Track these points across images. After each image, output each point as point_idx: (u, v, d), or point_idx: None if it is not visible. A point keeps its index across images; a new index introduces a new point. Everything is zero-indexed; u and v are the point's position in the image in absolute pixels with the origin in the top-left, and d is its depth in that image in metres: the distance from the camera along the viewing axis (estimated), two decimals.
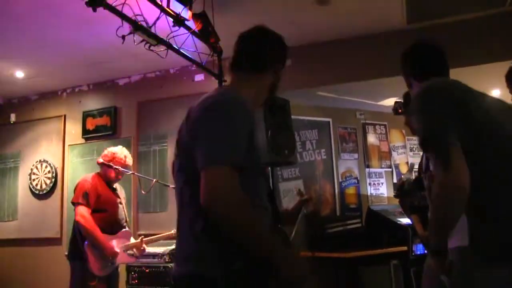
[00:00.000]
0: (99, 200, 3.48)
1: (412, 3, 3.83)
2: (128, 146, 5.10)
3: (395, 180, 5.74)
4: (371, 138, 5.72)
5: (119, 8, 2.81)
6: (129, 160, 3.74)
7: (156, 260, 3.94)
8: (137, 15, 3.01)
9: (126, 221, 3.70)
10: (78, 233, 3.41)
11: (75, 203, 3.46)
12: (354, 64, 4.47)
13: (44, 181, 5.52)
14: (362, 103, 5.46)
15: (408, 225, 4.22)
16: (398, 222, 4.56)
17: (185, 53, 3.54)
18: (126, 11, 2.92)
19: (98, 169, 3.74)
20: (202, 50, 3.71)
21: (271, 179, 4.51)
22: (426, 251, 3.62)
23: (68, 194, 5.20)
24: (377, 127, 5.79)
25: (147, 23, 3.11)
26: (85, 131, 5.50)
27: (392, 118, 5.70)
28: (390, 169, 5.79)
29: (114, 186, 3.72)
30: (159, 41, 3.24)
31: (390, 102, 5.30)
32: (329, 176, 5.30)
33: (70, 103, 5.69)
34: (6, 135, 5.92)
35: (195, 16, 3.35)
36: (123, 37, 2.99)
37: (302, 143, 5.16)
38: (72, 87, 5.70)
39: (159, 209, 4.91)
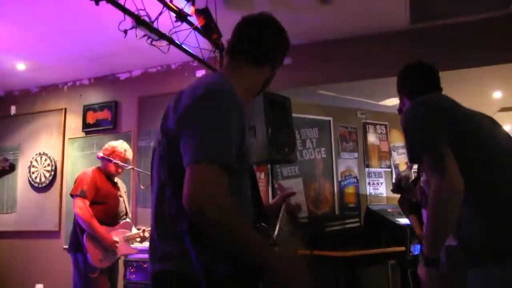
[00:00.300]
0: (98, 193, 3.51)
1: (416, 3, 3.82)
2: (128, 141, 5.09)
3: (394, 180, 5.73)
4: (372, 138, 5.71)
5: (121, 2, 2.81)
6: (129, 154, 3.76)
7: None
8: (140, 9, 3.01)
9: (126, 214, 3.72)
10: (78, 225, 3.44)
11: (73, 195, 3.49)
12: (356, 63, 4.46)
13: (43, 174, 5.52)
14: (363, 103, 5.46)
15: (407, 225, 4.23)
16: (397, 222, 4.57)
17: (187, 48, 3.54)
18: (129, 6, 2.92)
19: (98, 163, 3.78)
20: (204, 46, 3.70)
21: (270, 176, 4.51)
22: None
23: (68, 187, 5.19)
24: (377, 126, 5.79)
25: (149, 17, 3.11)
26: (85, 125, 5.49)
27: (393, 118, 5.72)
28: (389, 169, 5.79)
29: (115, 180, 3.74)
30: (161, 36, 3.23)
31: (391, 102, 5.29)
32: (329, 175, 5.30)
33: (71, 96, 5.69)
34: (6, 127, 5.91)
35: (197, 12, 3.34)
36: (125, 31, 2.98)
37: (302, 141, 5.16)
38: (73, 80, 5.70)
39: None
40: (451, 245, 1.69)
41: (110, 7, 2.74)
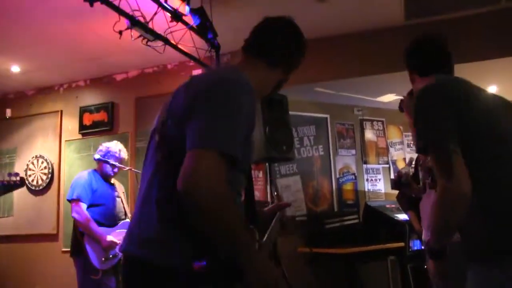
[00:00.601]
0: (95, 195, 3.52)
1: None
2: (125, 142, 5.09)
3: (392, 176, 5.74)
4: (369, 134, 5.72)
5: (116, 3, 2.80)
6: (124, 154, 3.76)
7: None
8: (135, 10, 3.00)
9: (126, 214, 3.72)
10: (77, 229, 3.44)
11: (69, 200, 3.51)
12: (352, 60, 4.46)
13: (40, 177, 5.50)
14: (360, 99, 5.47)
15: (405, 221, 4.24)
16: (395, 218, 4.57)
17: (182, 48, 3.53)
18: (123, 6, 2.91)
19: (95, 165, 3.77)
20: (200, 46, 3.70)
21: (268, 174, 4.51)
22: (423, 247, 3.64)
23: (65, 190, 5.18)
24: (374, 123, 5.80)
25: (144, 18, 3.10)
26: (82, 127, 5.47)
27: (390, 114, 5.73)
28: (387, 165, 5.80)
29: (112, 182, 3.75)
30: (157, 36, 3.23)
31: (388, 98, 5.30)
32: (327, 172, 5.30)
33: (67, 98, 5.66)
34: (1, 130, 5.88)
35: (193, 11, 3.33)
36: (120, 32, 2.98)
37: (299, 139, 5.16)
38: (69, 82, 5.67)
39: None
40: (453, 241, 1.69)
41: (104, 7, 2.73)
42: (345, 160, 5.47)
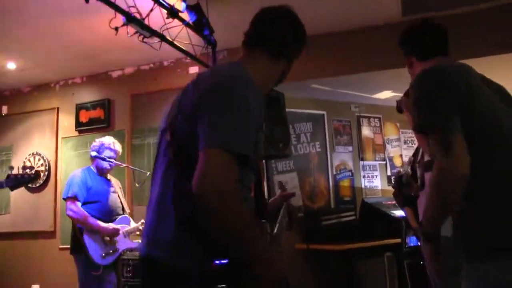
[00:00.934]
0: (90, 192, 3.53)
1: None
2: (122, 139, 5.09)
3: (389, 173, 5.76)
4: (366, 131, 5.73)
5: None
6: (118, 146, 3.77)
7: None
8: (131, 6, 2.99)
9: (123, 210, 3.72)
10: (75, 226, 3.45)
11: (65, 199, 3.53)
12: (349, 57, 4.46)
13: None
14: (356, 96, 5.47)
15: (402, 217, 4.24)
16: (392, 215, 4.58)
17: (179, 45, 3.52)
18: (119, 3, 2.90)
19: (91, 163, 3.77)
20: (196, 42, 3.69)
21: (265, 171, 4.52)
22: (419, 243, 3.65)
23: (62, 187, 5.17)
24: (371, 120, 5.80)
25: (140, 14, 3.09)
26: (78, 124, 5.46)
27: (387, 111, 5.74)
28: (384, 162, 5.81)
29: (108, 178, 3.75)
30: (153, 33, 3.21)
31: (385, 95, 5.30)
32: (324, 168, 5.31)
33: (63, 95, 5.64)
34: None
35: (189, 8, 3.32)
36: (116, 28, 2.97)
37: (296, 136, 5.16)
38: (65, 79, 5.65)
39: None
40: (447, 236, 1.68)
41: (100, 4, 2.72)
42: (342, 156, 5.48)
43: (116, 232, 3.49)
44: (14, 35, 4.32)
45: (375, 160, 5.74)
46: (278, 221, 1.58)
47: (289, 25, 1.56)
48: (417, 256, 3.56)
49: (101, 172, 3.69)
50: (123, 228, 3.60)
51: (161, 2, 3.12)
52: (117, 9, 2.87)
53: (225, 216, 1.18)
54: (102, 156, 3.61)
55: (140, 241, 3.71)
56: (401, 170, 3.45)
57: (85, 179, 3.55)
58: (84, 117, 5.45)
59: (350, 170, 5.50)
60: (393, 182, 3.43)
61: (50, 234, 5.31)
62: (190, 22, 3.39)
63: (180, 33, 3.47)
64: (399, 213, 4.42)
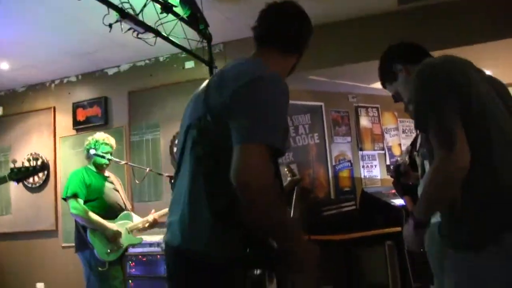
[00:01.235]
0: (89, 190, 3.52)
1: None
2: (120, 136, 5.08)
3: (388, 162, 5.77)
4: (364, 121, 5.73)
5: None
6: (112, 140, 3.75)
7: (152, 248, 3.97)
8: (124, 2, 2.96)
9: (124, 206, 3.72)
10: (78, 224, 3.46)
11: (65, 199, 3.52)
12: (346, 47, 4.45)
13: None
14: (354, 86, 5.46)
15: (402, 206, 4.26)
16: (392, 204, 4.60)
17: (174, 40, 3.50)
18: None
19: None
20: (191, 37, 3.67)
21: None
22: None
23: (62, 186, 5.17)
24: (369, 110, 5.80)
25: (134, 10, 3.06)
26: (75, 123, 5.45)
27: (384, 101, 5.72)
28: (383, 152, 5.82)
29: (107, 174, 3.75)
30: (147, 28, 3.19)
31: None
32: (323, 159, 5.31)
33: (59, 94, 5.62)
34: None
35: (183, 2, 3.30)
36: (110, 25, 2.94)
37: (295, 127, 5.16)
38: (60, 78, 5.63)
39: (154, 198, 4.90)
40: (436, 222, 1.68)
41: (93, 1, 2.69)
42: (340, 147, 5.48)
43: (117, 235, 3.48)
44: (5, 35, 4.29)
45: (374, 150, 5.75)
46: (292, 206, 1.65)
47: (300, 20, 1.62)
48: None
49: (100, 169, 3.68)
50: (126, 224, 3.61)
51: None
52: (110, 5, 2.84)
53: (267, 207, 1.25)
54: (99, 152, 3.60)
55: (143, 236, 3.74)
56: (399, 159, 3.45)
57: (83, 177, 3.54)
58: (81, 115, 5.44)
59: (349, 161, 5.50)
60: (391, 173, 3.43)
61: (52, 233, 5.32)
62: (185, 16, 3.37)
63: (174, 28, 3.45)
64: (399, 202, 4.43)
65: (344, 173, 5.44)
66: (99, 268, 3.38)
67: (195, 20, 3.45)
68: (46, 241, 5.34)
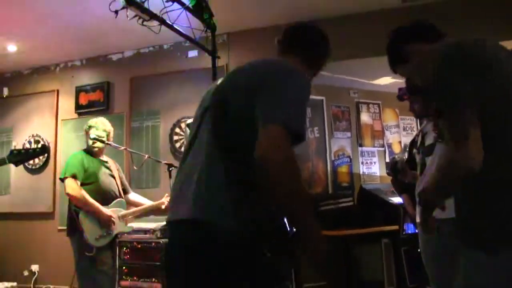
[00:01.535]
0: (86, 173, 3.52)
1: None
2: (121, 122, 5.10)
3: (387, 159, 5.77)
4: (364, 117, 5.72)
5: None
6: (103, 125, 3.71)
7: (147, 235, 3.98)
8: None
9: (119, 192, 3.72)
10: (71, 207, 3.46)
11: (63, 178, 3.52)
12: (348, 43, 4.43)
13: None
14: (356, 82, 5.45)
15: (400, 204, 4.25)
16: (390, 201, 4.60)
17: (178, 29, 3.50)
18: None
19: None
20: (196, 26, 3.67)
21: None
22: (416, 230, 3.67)
23: (61, 169, 5.19)
24: (370, 106, 5.79)
25: None
26: (78, 106, 5.47)
27: (386, 97, 5.72)
28: (382, 148, 5.82)
29: (105, 159, 3.74)
30: (152, 16, 3.19)
31: (384, 81, 5.29)
32: (322, 154, 5.32)
33: (63, 78, 5.64)
34: None
35: None
36: (116, 12, 2.95)
37: None
38: (65, 61, 5.64)
39: (151, 185, 4.93)
40: (447, 218, 1.68)
41: None
42: (340, 142, 5.48)
43: (110, 220, 3.48)
44: (14, 18, 4.30)
45: (374, 147, 5.75)
46: None
47: (326, 42, 1.77)
48: (414, 243, 3.60)
49: (97, 152, 3.68)
50: (119, 211, 3.62)
51: None
52: None
53: (292, 186, 1.30)
54: (95, 136, 3.60)
55: (134, 224, 3.76)
56: (396, 156, 3.46)
57: (82, 160, 3.55)
58: (83, 99, 5.45)
59: (349, 156, 5.51)
60: (388, 169, 3.43)
61: (49, 215, 5.36)
62: (190, 5, 3.37)
63: (179, 16, 3.45)
64: (397, 200, 4.43)
65: (343, 169, 5.45)
66: (86, 253, 3.39)
67: (200, 9, 3.45)
68: (42, 223, 5.38)
